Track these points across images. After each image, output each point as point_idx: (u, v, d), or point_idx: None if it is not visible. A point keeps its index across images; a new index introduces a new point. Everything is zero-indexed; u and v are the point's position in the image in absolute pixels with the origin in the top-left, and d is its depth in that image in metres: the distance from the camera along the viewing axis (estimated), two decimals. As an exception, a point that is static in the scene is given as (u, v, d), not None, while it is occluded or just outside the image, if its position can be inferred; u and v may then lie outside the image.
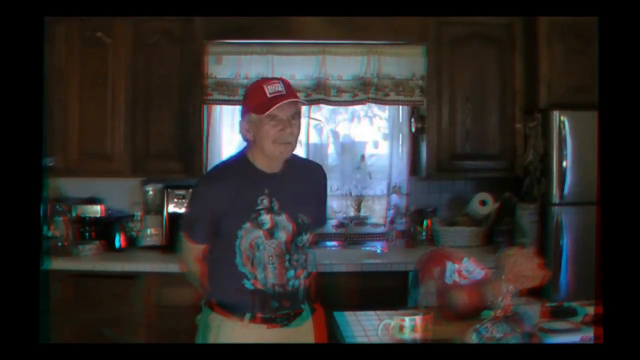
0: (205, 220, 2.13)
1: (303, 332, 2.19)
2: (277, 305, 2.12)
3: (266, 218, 2.10)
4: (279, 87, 2.07)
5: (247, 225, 2.08)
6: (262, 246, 2.09)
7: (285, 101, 2.04)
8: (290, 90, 2.10)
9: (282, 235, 2.12)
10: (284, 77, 2.21)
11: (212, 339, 2.14)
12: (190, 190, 3.75)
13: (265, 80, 2.14)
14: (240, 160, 2.19)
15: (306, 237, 2.18)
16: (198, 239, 2.18)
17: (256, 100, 2.07)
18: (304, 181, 2.24)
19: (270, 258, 2.10)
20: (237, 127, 3.94)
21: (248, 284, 2.10)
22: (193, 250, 2.21)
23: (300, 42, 3.79)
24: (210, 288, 2.19)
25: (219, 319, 2.14)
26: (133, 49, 3.68)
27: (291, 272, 2.13)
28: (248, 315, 2.11)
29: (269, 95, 2.05)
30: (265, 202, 2.11)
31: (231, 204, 2.09)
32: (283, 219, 2.12)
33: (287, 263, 2.12)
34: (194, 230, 2.18)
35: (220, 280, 2.16)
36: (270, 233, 2.10)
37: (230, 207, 2.09)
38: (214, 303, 2.16)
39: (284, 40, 3.78)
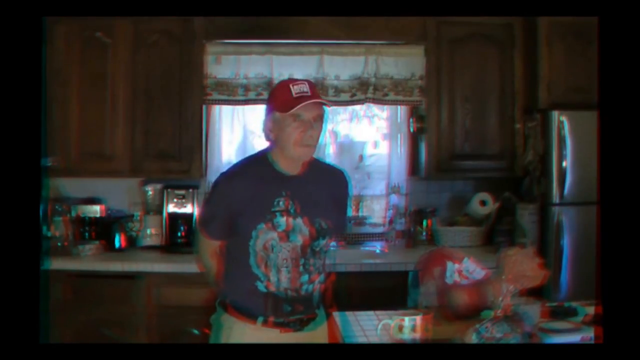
0: (221, 218, 2.12)
1: (317, 337, 2.17)
2: (290, 310, 2.10)
3: (282, 220, 2.08)
4: (305, 88, 2.06)
5: (263, 226, 2.06)
6: (276, 248, 2.07)
7: (310, 101, 2.03)
8: (315, 92, 2.09)
9: (299, 239, 2.09)
10: (309, 79, 2.20)
11: (224, 340, 2.12)
12: (191, 190, 3.80)
13: (292, 80, 2.12)
14: (260, 160, 2.17)
15: (323, 242, 2.15)
16: (213, 235, 2.18)
17: (281, 99, 2.06)
18: (325, 185, 2.21)
19: (285, 261, 2.08)
20: (236, 127, 4.01)
21: (261, 286, 2.08)
22: (209, 246, 2.22)
23: (300, 42, 3.80)
24: (224, 287, 2.18)
25: (231, 321, 2.12)
26: (133, 49, 3.68)
27: (305, 277, 2.11)
28: (261, 319, 2.09)
29: (294, 94, 2.04)
30: (283, 204, 2.09)
31: (248, 203, 2.07)
32: (301, 222, 2.09)
33: (301, 267, 2.10)
34: (210, 226, 2.18)
35: (234, 280, 2.14)
36: (286, 235, 2.08)
37: (247, 207, 2.07)
38: (227, 304, 2.15)
39: (283, 40, 3.78)
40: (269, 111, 2.12)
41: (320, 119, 2.09)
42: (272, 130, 2.10)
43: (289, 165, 2.13)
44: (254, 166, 2.18)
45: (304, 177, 2.15)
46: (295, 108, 2.01)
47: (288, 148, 2.08)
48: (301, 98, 2.03)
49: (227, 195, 2.11)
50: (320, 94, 2.15)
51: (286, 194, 2.10)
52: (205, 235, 2.21)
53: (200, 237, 2.25)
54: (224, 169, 2.27)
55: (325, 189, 2.20)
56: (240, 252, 2.09)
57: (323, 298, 2.20)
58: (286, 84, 2.10)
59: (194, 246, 2.34)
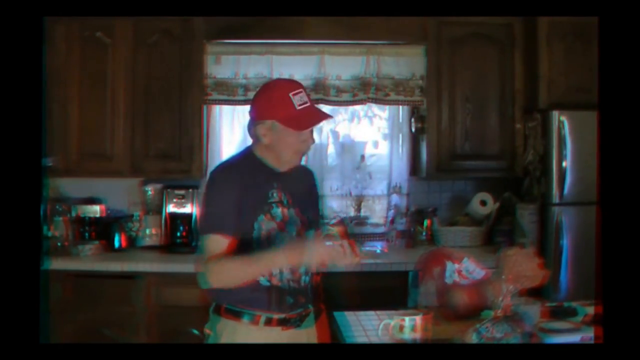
0: (231, 209, 2.05)
1: (312, 333, 2.18)
2: (292, 302, 2.11)
3: (278, 211, 2.11)
4: (305, 97, 2.08)
5: (263, 217, 2.08)
6: (277, 239, 2.08)
7: (322, 121, 2.15)
8: (310, 99, 2.12)
9: (294, 229, 2.12)
10: (301, 83, 2.19)
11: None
12: (191, 190, 3.80)
13: (288, 85, 2.12)
14: (248, 157, 2.18)
15: (312, 233, 2.14)
16: (230, 230, 2.04)
17: (284, 111, 2.06)
18: (305, 183, 2.29)
19: None
20: (236, 127, 4.01)
21: (264, 280, 2.08)
22: (224, 248, 2.05)
23: (300, 42, 3.80)
24: (221, 291, 2.11)
25: (231, 326, 2.10)
26: (133, 48, 3.68)
27: (303, 267, 2.12)
28: (264, 318, 2.08)
29: (297, 107, 2.05)
30: (276, 195, 2.12)
31: (247, 194, 2.07)
32: (294, 212, 2.13)
33: None
34: (225, 222, 2.04)
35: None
36: (284, 225, 2.11)
37: (247, 197, 2.07)
38: (223, 310, 2.12)
39: (283, 40, 3.78)
40: (263, 117, 2.10)
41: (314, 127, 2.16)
42: (266, 135, 2.10)
43: (278, 164, 2.16)
44: (243, 162, 2.18)
45: (289, 173, 2.18)
46: (308, 129, 2.09)
47: (285, 155, 2.12)
48: (306, 111, 2.07)
49: (228, 186, 2.08)
50: (324, 94, 2.19)
51: (277, 186, 2.13)
52: (223, 235, 2.04)
53: (213, 245, 2.03)
54: (214, 167, 2.27)
55: (306, 186, 2.27)
56: (242, 248, 2.07)
57: (315, 292, 2.20)
58: (284, 92, 2.08)
59: (203, 271, 2.06)
